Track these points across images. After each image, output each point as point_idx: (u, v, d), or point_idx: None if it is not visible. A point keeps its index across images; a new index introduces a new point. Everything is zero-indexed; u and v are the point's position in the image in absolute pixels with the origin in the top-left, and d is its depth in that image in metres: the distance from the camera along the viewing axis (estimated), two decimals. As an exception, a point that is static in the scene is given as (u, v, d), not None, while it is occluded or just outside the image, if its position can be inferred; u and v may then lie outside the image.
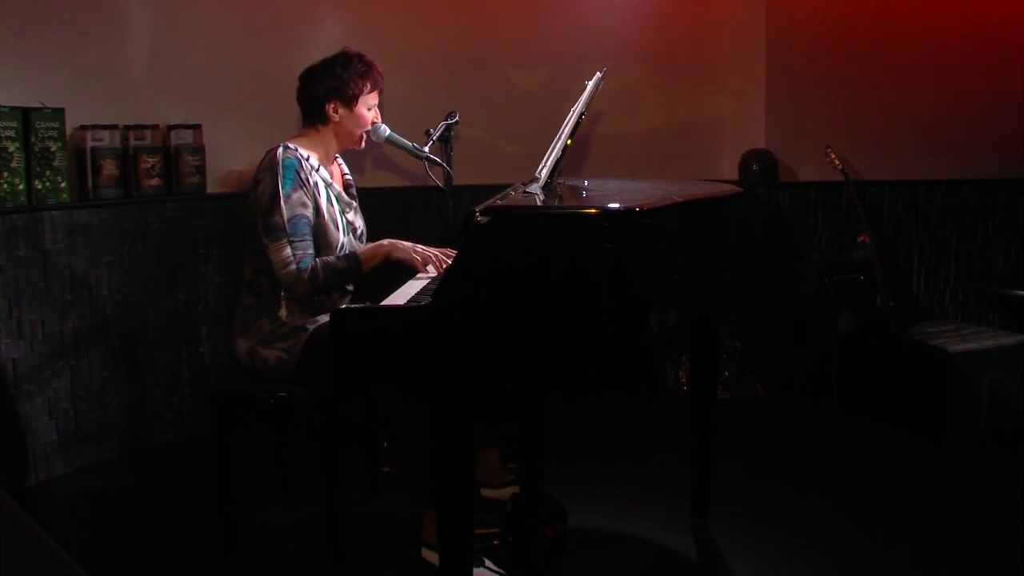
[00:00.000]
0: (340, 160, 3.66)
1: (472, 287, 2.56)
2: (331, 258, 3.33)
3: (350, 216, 3.53)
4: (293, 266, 3.24)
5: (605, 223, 2.57)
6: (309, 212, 3.31)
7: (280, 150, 3.33)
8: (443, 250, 3.52)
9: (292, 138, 3.45)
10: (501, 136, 5.29)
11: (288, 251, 3.25)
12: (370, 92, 3.48)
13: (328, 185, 3.44)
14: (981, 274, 5.59)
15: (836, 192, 5.38)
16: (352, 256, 3.36)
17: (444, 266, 3.31)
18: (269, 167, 3.32)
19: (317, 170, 3.41)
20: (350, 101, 3.45)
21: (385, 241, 3.44)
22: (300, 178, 3.31)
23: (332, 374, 2.67)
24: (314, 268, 3.26)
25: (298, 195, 3.29)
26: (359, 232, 3.58)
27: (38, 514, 3.69)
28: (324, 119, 3.47)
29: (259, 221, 3.31)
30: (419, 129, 3.94)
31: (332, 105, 3.45)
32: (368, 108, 3.50)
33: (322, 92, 3.45)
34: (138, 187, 4.52)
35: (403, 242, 3.42)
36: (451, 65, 5.20)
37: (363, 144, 3.56)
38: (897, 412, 4.79)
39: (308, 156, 3.39)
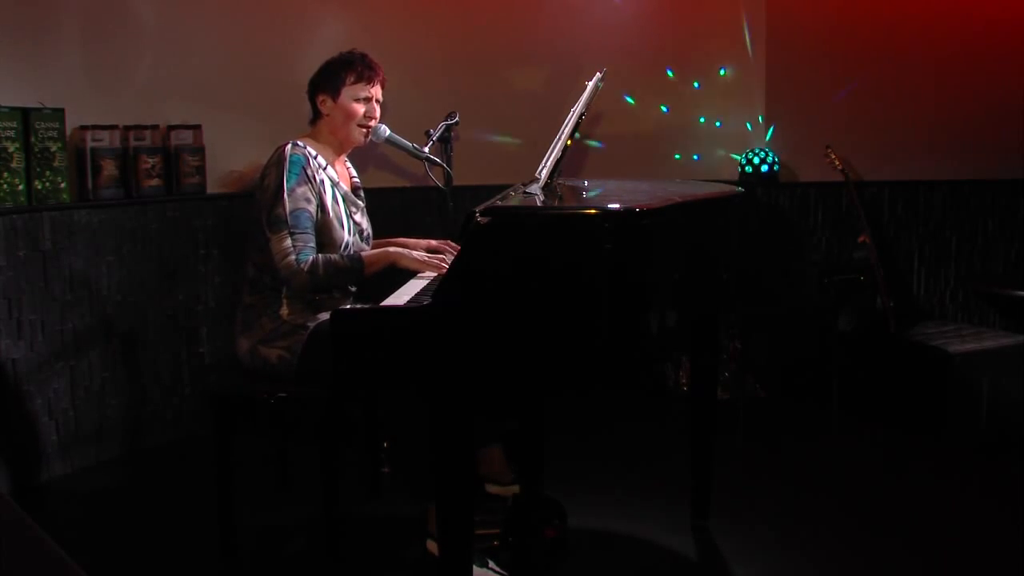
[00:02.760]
0: (348, 163, 3.68)
1: (472, 287, 2.56)
2: (334, 256, 3.33)
3: (357, 217, 3.53)
4: (292, 257, 3.24)
5: (605, 223, 2.56)
6: (312, 208, 3.32)
7: (288, 146, 3.37)
8: (429, 245, 3.58)
9: (301, 137, 3.48)
10: (501, 136, 5.28)
11: (288, 242, 3.25)
12: (355, 83, 3.47)
13: (335, 184, 3.45)
14: (981, 274, 5.59)
15: (836, 192, 5.38)
16: (356, 257, 3.36)
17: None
18: (276, 162, 3.34)
19: (324, 168, 3.42)
20: (334, 92, 3.47)
21: (392, 249, 3.43)
22: (306, 174, 3.32)
23: (332, 373, 2.67)
24: (314, 262, 3.26)
25: (302, 190, 3.30)
26: (365, 234, 3.59)
27: (38, 514, 3.70)
28: (319, 113, 3.52)
29: (263, 214, 3.32)
30: (419, 129, 3.94)
31: (320, 98, 3.50)
32: (356, 100, 3.48)
33: (312, 87, 3.52)
34: (138, 187, 4.52)
35: (412, 252, 3.42)
36: (451, 65, 5.20)
37: (365, 140, 3.55)
38: (897, 413, 4.79)
39: (316, 154, 3.41)
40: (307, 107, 3.55)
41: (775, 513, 3.82)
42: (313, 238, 3.31)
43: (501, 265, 2.57)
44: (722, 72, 5.54)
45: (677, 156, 5.57)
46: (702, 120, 5.60)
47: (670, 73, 5.51)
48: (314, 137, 3.52)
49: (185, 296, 4.71)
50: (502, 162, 5.15)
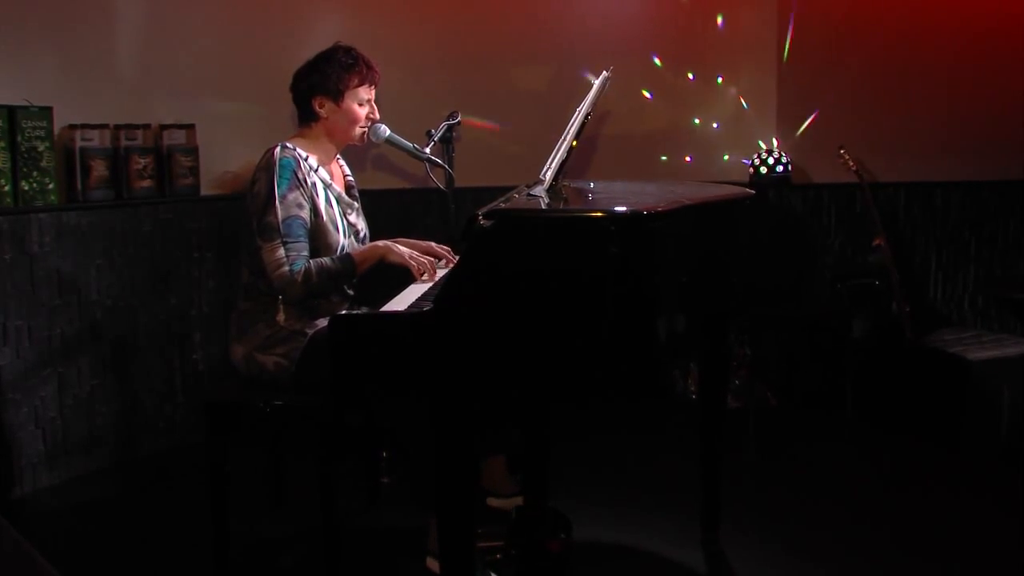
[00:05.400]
0: (341, 161, 3.68)
1: (475, 292, 2.57)
2: (324, 260, 3.33)
3: (352, 218, 3.54)
4: (286, 267, 3.25)
5: (611, 226, 2.57)
6: (305, 213, 3.32)
7: (278, 149, 3.35)
8: (430, 247, 3.56)
9: (291, 138, 3.46)
10: (504, 137, 5.30)
11: (281, 252, 3.25)
12: (359, 86, 3.48)
13: (327, 186, 3.45)
14: (1001, 279, 5.59)
15: (850, 194, 5.39)
16: (346, 257, 3.36)
17: (435, 273, 3.32)
18: (266, 166, 3.33)
19: (316, 170, 3.42)
20: (336, 96, 3.46)
21: (381, 243, 3.43)
22: (297, 178, 3.32)
23: (330, 381, 2.68)
24: (307, 270, 3.26)
25: (294, 195, 3.30)
26: (361, 235, 3.59)
27: (24, 527, 3.71)
28: (314, 116, 3.49)
29: (254, 221, 3.32)
30: (420, 129, 3.95)
31: (318, 101, 3.47)
32: (359, 103, 3.48)
33: (307, 88, 3.48)
34: (129, 189, 4.54)
35: (399, 247, 3.41)
36: (453, 64, 5.21)
37: (364, 140, 3.56)
38: (913, 422, 4.80)
39: (307, 156, 3.40)
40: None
41: (787, 525, 3.83)
42: (307, 246, 3.31)
43: (504, 269, 2.58)
44: (732, 71, 5.54)
45: (687, 157, 5.58)
46: (713, 121, 5.61)
47: (679, 72, 5.52)
48: (305, 138, 3.50)
49: (178, 301, 4.72)
50: (505, 163, 5.16)
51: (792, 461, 4.58)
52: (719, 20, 5.51)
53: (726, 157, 5.59)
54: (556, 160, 3.35)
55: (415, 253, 3.39)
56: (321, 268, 3.29)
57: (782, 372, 5.41)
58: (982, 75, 5.45)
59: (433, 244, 3.65)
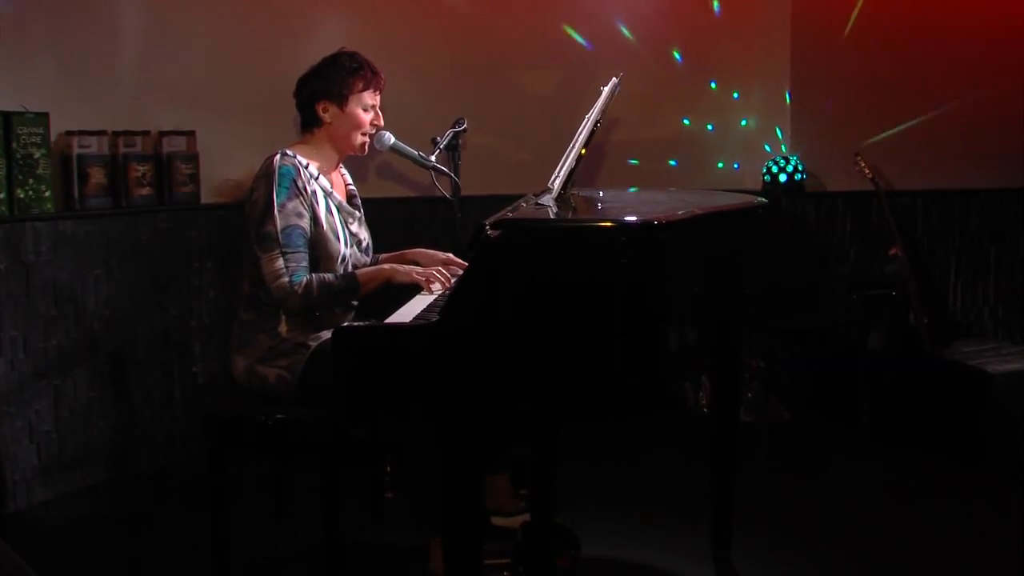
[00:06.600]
0: (343, 170, 3.68)
1: (481, 304, 2.58)
2: (328, 275, 3.34)
3: (354, 228, 3.54)
4: (285, 278, 3.25)
5: (621, 236, 2.58)
6: (305, 223, 3.32)
7: (277, 157, 3.35)
8: (449, 259, 3.56)
9: (293, 145, 3.47)
10: (511, 144, 5.31)
11: (280, 262, 3.26)
12: (363, 91, 3.49)
13: (328, 194, 3.45)
14: (1023, 289, 5.58)
15: (866, 202, 5.39)
16: (350, 277, 3.37)
17: (449, 282, 3.33)
18: (265, 174, 3.34)
19: (316, 178, 3.42)
20: (340, 100, 3.46)
21: (386, 266, 3.46)
22: (297, 186, 3.32)
23: (333, 394, 2.69)
24: (308, 283, 3.27)
25: (293, 204, 3.30)
26: (364, 244, 3.60)
27: (18, 544, 3.71)
28: (317, 122, 3.49)
29: (252, 230, 3.32)
30: (425, 137, 3.96)
31: (322, 105, 3.47)
32: (363, 109, 3.50)
33: (310, 93, 3.49)
34: (128, 197, 4.55)
35: (404, 266, 3.44)
36: (458, 69, 5.23)
37: (365, 150, 3.57)
38: (931, 437, 4.79)
39: (307, 164, 3.40)
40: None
41: (801, 543, 3.82)
42: (306, 256, 3.32)
43: (512, 280, 2.59)
44: (744, 76, 5.55)
45: (698, 165, 5.59)
46: (724, 127, 5.61)
47: (690, 78, 5.53)
48: (306, 144, 3.51)
49: (178, 311, 4.73)
50: (513, 171, 5.17)
51: (806, 476, 4.58)
52: (731, 26, 5.52)
53: (738, 164, 5.60)
54: (565, 168, 3.36)
55: (421, 271, 3.40)
56: (323, 283, 3.30)
57: (796, 385, 5.40)
58: (1001, 80, 5.45)
59: (451, 255, 3.65)
